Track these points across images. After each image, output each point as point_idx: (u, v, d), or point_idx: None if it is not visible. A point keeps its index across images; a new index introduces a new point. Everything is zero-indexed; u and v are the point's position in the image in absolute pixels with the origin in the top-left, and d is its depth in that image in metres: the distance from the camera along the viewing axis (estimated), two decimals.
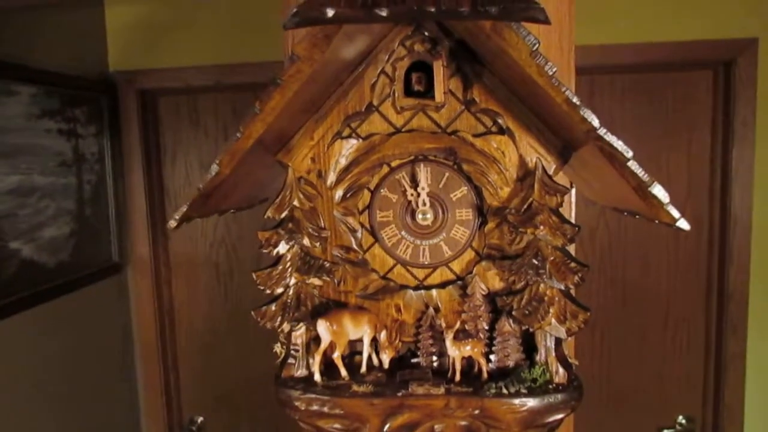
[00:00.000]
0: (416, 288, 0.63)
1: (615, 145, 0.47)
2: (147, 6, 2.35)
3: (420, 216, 0.60)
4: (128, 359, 2.57)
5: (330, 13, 0.42)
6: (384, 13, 0.42)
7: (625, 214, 0.61)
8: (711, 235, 2.33)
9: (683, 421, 2.27)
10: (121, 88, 2.49)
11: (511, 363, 0.60)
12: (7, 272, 1.84)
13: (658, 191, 0.48)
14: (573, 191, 0.79)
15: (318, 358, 0.58)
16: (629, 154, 0.47)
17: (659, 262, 2.35)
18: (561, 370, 0.58)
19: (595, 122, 0.47)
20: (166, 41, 2.45)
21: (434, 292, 0.62)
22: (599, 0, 2.14)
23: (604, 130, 0.47)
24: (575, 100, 0.46)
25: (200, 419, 2.58)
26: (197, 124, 2.61)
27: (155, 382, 2.58)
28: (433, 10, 0.42)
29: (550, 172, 0.58)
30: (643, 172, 0.48)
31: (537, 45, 0.45)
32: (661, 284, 2.38)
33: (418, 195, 0.60)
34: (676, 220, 0.49)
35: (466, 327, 0.61)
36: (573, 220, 0.79)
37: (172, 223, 0.54)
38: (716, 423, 2.23)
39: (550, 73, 0.46)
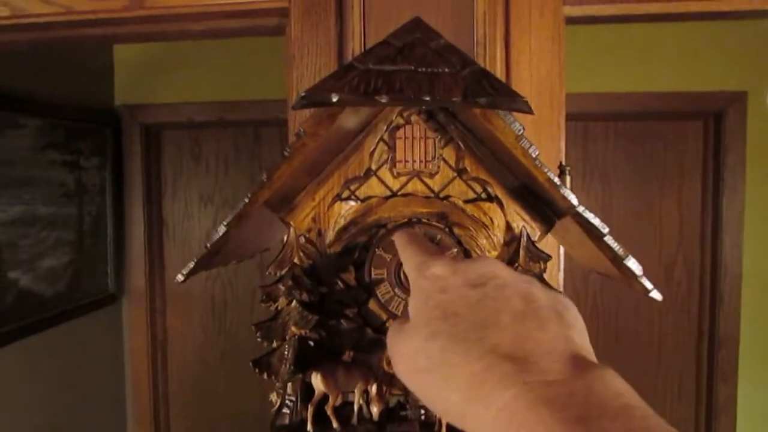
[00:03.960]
0: None
1: (592, 221, 0.51)
2: (154, 43, 2.43)
3: None
4: (119, 389, 2.57)
5: (335, 98, 0.47)
6: (384, 100, 0.47)
7: (606, 277, 0.65)
8: (702, 281, 2.37)
9: None
10: (125, 121, 2.54)
11: None
12: (5, 302, 1.86)
13: (632, 264, 0.52)
14: (561, 249, 0.83)
15: (311, 409, 0.61)
16: (605, 230, 0.51)
17: (651, 307, 2.38)
18: None
19: (574, 201, 0.51)
20: (171, 77, 2.51)
21: None
22: (595, 50, 2.23)
23: (583, 208, 0.51)
24: (556, 180, 0.51)
25: None
26: (198, 159, 2.66)
27: (145, 414, 2.57)
28: (428, 98, 0.47)
29: (535, 239, 0.61)
30: (618, 246, 0.52)
31: (522, 131, 0.50)
32: (653, 330, 2.40)
33: None
34: (648, 291, 0.52)
35: None
36: (562, 276, 0.82)
37: (180, 278, 0.58)
38: None
39: (534, 156, 0.50)
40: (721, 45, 2.16)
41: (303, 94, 0.46)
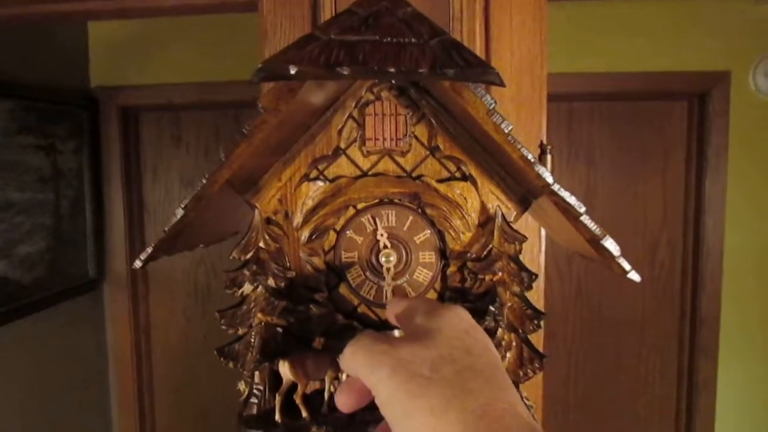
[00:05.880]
0: (379, 328, 0.64)
1: (568, 200, 0.49)
2: (130, 22, 2.36)
3: (384, 258, 0.61)
4: (102, 376, 2.54)
5: (293, 70, 0.43)
6: (346, 72, 0.44)
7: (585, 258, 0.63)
8: (684, 261, 2.38)
9: None
10: (102, 104, 2.48)
11: None
12: None
13: (610, 244, 0.50)
14: (543, 230, 0.80)
15: (279, 398, 0.59)
16: (582, 209, 0.49)
17: (634, 287, 2.38)
18: None
19: (549, 179, 0.48)
20: (149, 58, 2.45)
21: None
22: (579, 30, 2.20)
23: (558, 186, 0.49)
24: (530, 156, 0.48)
25: None
26: (179, 141, 2.61)
27: (129, 400, 2.55)
28: (393, 70, 0.44)
29: (511, 219, 0.59)
30: (595, 226, 0.49)
31: (493, 105, 0.47)
32: (635, 309, 2.41)
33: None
34: (626, 272, 0.50)
35: None
36: (543, 257, 0.80)
37: (138, 264, 0.55)
38: None
39: (506, 131, 0.48)
40: (705, 24, 2.14)
41: (260, 65, 0.43)
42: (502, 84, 0.43)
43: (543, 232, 0.82)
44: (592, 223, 0.49)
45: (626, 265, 0.50)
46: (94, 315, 2.41)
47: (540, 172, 0.48)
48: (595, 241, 0.50)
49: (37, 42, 2.05)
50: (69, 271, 2.23)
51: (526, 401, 0.62)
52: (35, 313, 2.02)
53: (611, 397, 2.34)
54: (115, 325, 2.48)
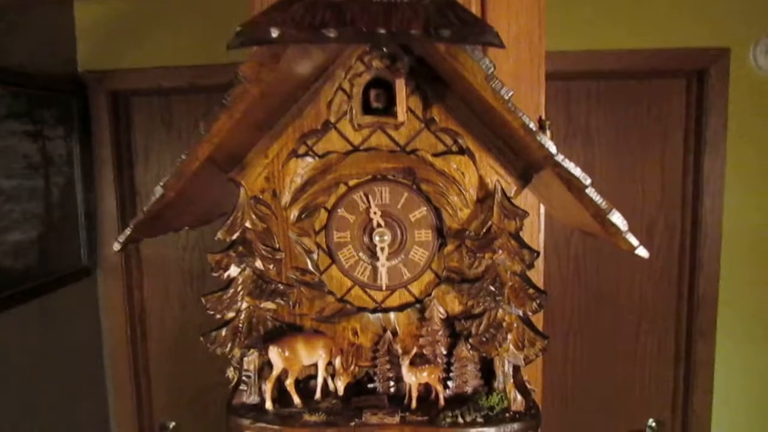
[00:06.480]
0: (374, 311, 0.61)
1: (573, 172, 0.45)
2: (117, 3, 2.30)
3: (377, 237, 0.58)
4: (98, 363, 2.52)
5: (275, 33, 0.40)
6: (332, 35, 0.40)
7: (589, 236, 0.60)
8: (683, 241, 2.36)
9: (653, 425, 2.29)
10: (91, 88, 2.43)
11: (469, 389, 0.59)
12: None
13: (617, 219, 0.47)
14: (542, 207, 0.77)
15: (270, 385, 0.56)
16: (587, 181, 0.46)
17: (632, 267, 2.37)
18: (519, 397, 0.57)
19: (552, 149, 0.45)
20: (138, 41, 2.39)
21: (392, 315, 0.60)
22: (575, 7, 2.15)
23: (562, 157, 0.46)
24: (531, 125, 0.45)
25: (172, 424, 2.53)
26: (170, 126, 2.57)
27: (126, 386, 2.53)
28: (383, 31, 0.40)
29: (511, 195, 0.56)
30: (601, 200, 0.46)
31: (492, 69, 0.44)
32: (633, 290, 2.40)
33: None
34: (634, 248, 0.48)
35: (424, 351, 0.59)
36: (542, 236, 0.77)
37: (116, 246, 0.52)
38: (685, 426, 2.27)
39: (506, 98, 0.45)
40: (704, 0, 2.10)
41: (238, 28, 0.40)
42: (501, 45, 0.40)
43: (542, 210, 0.80)
44: (598, 196, 0.46)
45: (634, 241, 0.47)
46: (88, 302, 2.38)
47: (542, 141, 0.45)
48: (600, 216, 0.47)
49: (23, 26, 2.00)
50: (61, 259, 2.20)
51: (528, 384, 0.59)
52: (28, 301, 2.00)
53: (608, 378, 2.33)
54: (109, 312, 2.45)
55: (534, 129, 0.45)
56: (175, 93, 2.54)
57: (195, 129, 2.53)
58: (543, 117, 0.80)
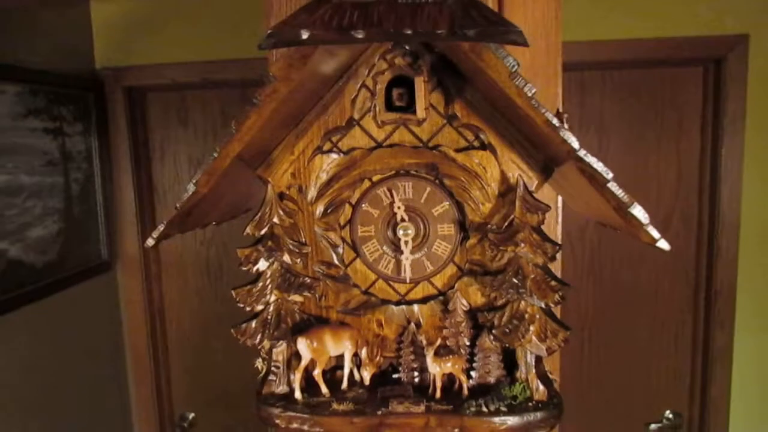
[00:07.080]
0: (398, 303, 0.62)
1: (595, 166, 0.46)
2: (132, 2, 2.32)
3: (401, 231, 0.59)
4: (118, 357, 2.56)
5: (305, 35, 0.41)
6: (360, 35, 0.42)
7: (609, 228, 0.61)
8: (700, 231, 2.34)
9: (670, 416, 2.28)
10: (108, 85, 2.46)
11: (492, 379, 0.60)
12: None
13: (638, 212, 0.47)
14: (560, 199, 0.78)
15: (298, 375, 0.58)
16: (609, 175, 0.47)
17: (648, 258, 2.35)
18: (541, 387, 0.58)
19: (575, 144, 0.46)
20: (153, 37, 2.42)
21: (416, 307, 0.62)
22: None
23: (584, 152, 0.47)
24: (554, 121, 0.46)
25: (191, 416, 2.57)
26: (186, 122, 2.59)
27: (146, 379, 2.57)
28: (409, 32, 0.41)
29: (532, 189, 0.57)
30: (622, 193, 0.47)
31: (516, 66, 0.45)
32: (650, 280, 2.39)
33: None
34: (656, 241, 0.48)
35: (448, 343, 0.61)
36: (560, 229, 0.78)
37: (150, 242, 0.54)
38: (703, 417, 2.26)
39: (530, 95, 0.46)
40: None
41: (270, 31, 0.41)
42: (525, 44, 0.40)
43: (560, 201, 0.80)
44: (620, 190, 0.47)
45: (655, 234, 0.48)
46: (108, 296, 2.42)
47: (565, 137, 0.46)
48: (622, 209, 0.48)
49: (41, 25, 2.03)
50: (81, 254, 2.24)
51: (550, 374, 0.61)
52: (49, 296, 2.03)
53: (625, 370, 2.33)
54: (128, 306, 2.49)
55: (557, 125, 0.46)
56: (189, 88, 2.56)
57: (213, 124, 2.56)
58: (560, 110, 0.80)
